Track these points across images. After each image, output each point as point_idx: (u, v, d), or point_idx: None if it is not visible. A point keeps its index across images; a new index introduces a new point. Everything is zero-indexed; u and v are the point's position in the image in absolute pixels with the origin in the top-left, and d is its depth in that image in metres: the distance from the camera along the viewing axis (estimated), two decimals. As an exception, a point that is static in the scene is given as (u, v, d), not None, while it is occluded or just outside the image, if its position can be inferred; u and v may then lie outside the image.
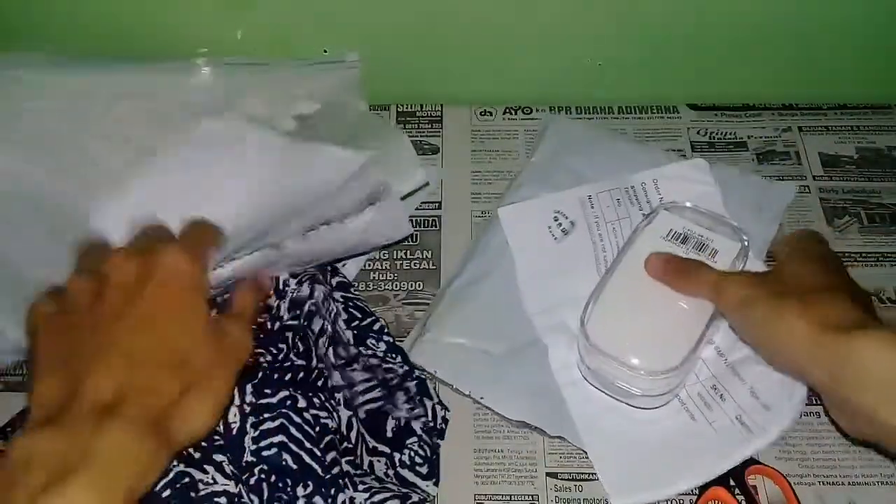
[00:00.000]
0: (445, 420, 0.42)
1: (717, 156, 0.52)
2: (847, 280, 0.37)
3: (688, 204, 0.44)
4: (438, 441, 0.41)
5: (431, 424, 0.41)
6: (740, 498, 0.39)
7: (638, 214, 0.46)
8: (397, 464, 0.39)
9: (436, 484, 0.40)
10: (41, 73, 0.47)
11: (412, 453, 0.39)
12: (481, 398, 0.42)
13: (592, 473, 0.41)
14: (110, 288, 0.31)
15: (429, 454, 0.40)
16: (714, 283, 0.38)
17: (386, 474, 0.39)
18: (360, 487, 0.37)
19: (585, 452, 0.41)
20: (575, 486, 0.41)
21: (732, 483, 0.39)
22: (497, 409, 0.42)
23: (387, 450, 0.40)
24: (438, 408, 0.42)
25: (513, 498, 0.40)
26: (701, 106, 0.55)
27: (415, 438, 0.40)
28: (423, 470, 0.40)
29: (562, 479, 0.41)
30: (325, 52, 0.54)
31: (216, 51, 0.54)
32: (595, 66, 0.55)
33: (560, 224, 0.47)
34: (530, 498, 0.40)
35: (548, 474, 0.41)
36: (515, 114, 0.55)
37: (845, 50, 0.53)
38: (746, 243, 0.42)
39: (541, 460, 0.41)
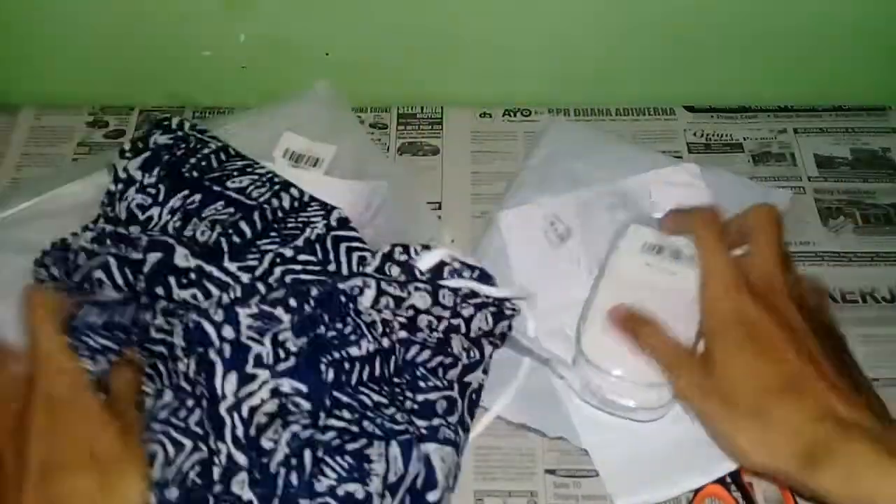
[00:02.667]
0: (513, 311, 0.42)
1: (713, 157, 0.53)
2: (796, 350, 0.34)
3: (656, 215, 0.45)
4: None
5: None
6: (736, 494, 0.39)
7: (651, 223, 0.46)
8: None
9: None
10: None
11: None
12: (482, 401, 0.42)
13: (591, 470, 0.41)
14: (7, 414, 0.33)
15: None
16: (668, 369, 0.37)
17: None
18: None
19: (585, 451, 0.41)
20: (573, 482, 0.41)
21: (729, 479, 0.40)
22: (497, 412, 0.42)
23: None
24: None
25: (512, 494, 0.41)
26: (697, 108, 0.56)
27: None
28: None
29: (560, 476, 0.41)
30: (327, 54, 0.55)
31: (219, 53, 0.54)
32: (593, 68, 0.55)
33: (556, 229, 0.47)
34: (529, 494, 0.41)
35: (546, 471, 0.41)
36: (515, 116, 0.56)
37: (840, 52, 0.54)
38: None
39: (540, 457, 0.42)
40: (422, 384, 0.39)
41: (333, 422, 0.36)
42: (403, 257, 0.40)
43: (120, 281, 0.40)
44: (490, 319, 0.40)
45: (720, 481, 0.39)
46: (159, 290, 0.39)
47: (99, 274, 0.40)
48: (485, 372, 0.41)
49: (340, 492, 0.34)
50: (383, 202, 0.48)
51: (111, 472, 0.32)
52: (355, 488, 0.34)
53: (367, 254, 0.42)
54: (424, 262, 0.40)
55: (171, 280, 0.39)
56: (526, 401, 0.42)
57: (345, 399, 0.36)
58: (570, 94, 0.56)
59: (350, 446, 0.35)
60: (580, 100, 0.56)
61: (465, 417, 0.40)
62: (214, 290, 0.39)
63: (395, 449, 0.36)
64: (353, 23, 0.53)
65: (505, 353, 0.43)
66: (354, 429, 0.36)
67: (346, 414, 0.36)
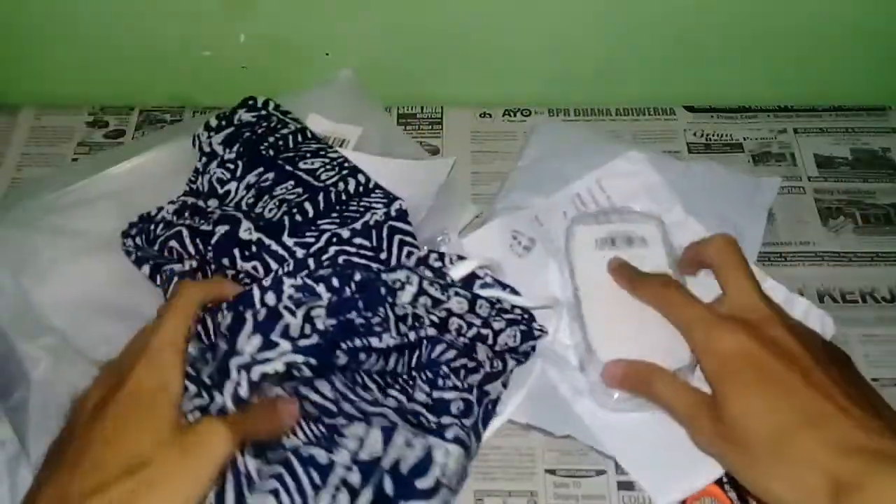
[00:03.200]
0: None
1: (714, 157, 0.53)
2: (804, 380, 0.33)
3: (591, 208, 0.46)
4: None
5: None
6: (732, 495, 0.39)
7: (613, 214, 0.46)
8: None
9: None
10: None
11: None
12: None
13: (590, 470, 0.41)
14: (91, 404, 0.33)
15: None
16: (688, 420, 0.36)
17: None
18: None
19: (585, 450, 0.41)
20: (573, 482, 0.41)
21: (725, 479, 0.40)
22: (508, 416, 0.42)
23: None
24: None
25: (512, 494, 0.41)
26: (697, 108, 0.56)
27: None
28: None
29: (560, 476, 0.41)
30: (327, 55, 0.55)
31: (219, 54, 0.54)
32: (593, 68, 0.55)
33: (520, 242, 0.47)
34: (529, 494, 0.41)
35: (546, 471, 0.41)
36: (514, 116, 0.56)
37: (840, 52, 0.54)
38: (663, 222, 0.43)
39: (539, 457, 0.42)
40: (440, 382, 0.39)
41: (315, 396, 0.37)
42: (438, 264, 0.42)
43: (192, 250, 0.42)
44: (518, 337, 0.41)
45: (717, 481, 0.39)
46: (225, 262, 0.41)
47: (173, 243, 0.42)
48: (504, 385, 0.42)
49: (304, 453, 0.35)
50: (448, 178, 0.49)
51: (152, 487, 0.30)
52: (318, 453, 0.36)
53: (414, 250, 0.43)
54: (457, 272, 0.41)
55: (236, 252, 0.41)
56: (530, 401, 0.42)
57: (341, 377, 0.38)
58: (570, 94, 0.57)
59: (328, 420, 0.37)
60: (580, 100, 0.56)
61: (479, 425, 0.40)
62: (273, 263, 0.40)
63: (376, 432, 0.37)
64: (353, 23, 0.53)
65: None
66: (332, 408, 0.37)
67: (328, 392, 0.37)
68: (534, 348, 0.42)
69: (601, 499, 0.40)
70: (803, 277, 0.48)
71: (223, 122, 0.48)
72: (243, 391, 0.34)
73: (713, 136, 0.54)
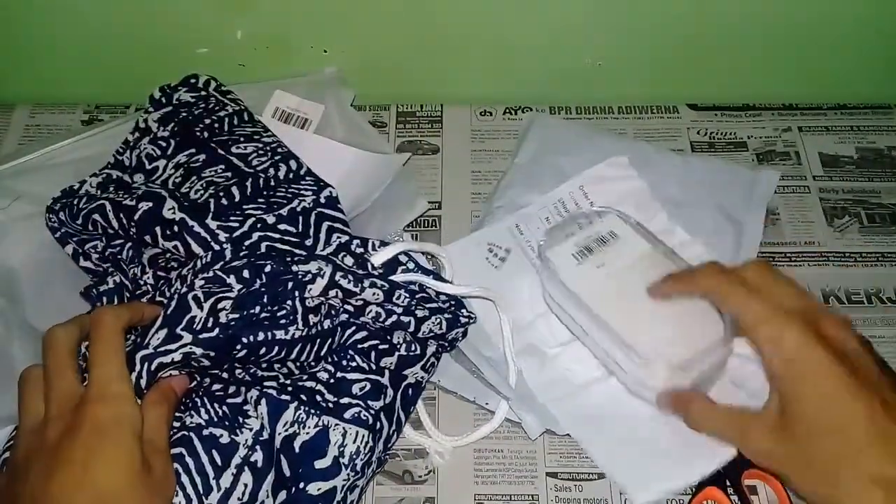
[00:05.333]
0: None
1: (718, 156, 0.52)
2: (871, 393, 0.33)
3: (548, 225, 0.46)
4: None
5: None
6: (734, 498, 0.39)
7: (573, 224, 0.45)
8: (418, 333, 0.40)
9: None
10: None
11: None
12: (486, 404, 0.42)
13: (592, 473, 0.41)
14: (43, 449, 0.32)
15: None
16: (734, 439, 0.37)
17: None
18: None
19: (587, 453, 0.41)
20: (575, 486, 0.41)
21: (728, 483, 0.39)
22: (504, 415, 0.42)
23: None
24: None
25: (513, 498, 0.40)
26: (701, 106, 0.55)
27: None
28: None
29: (562, 479, 0.41)
30: (325, 52, 0.54)
31: (216, 51, 0.54)
32: (595, 66, 0.55)
33: (496, 255, 0.47)
34: (530, 498, 0.40)
35: (548, 474, 0.41)
36: (515, 114, 0.55)
37: (845, 50, 0.53)
38: (633, 219, 0.43)
39: (541, 460, 0.41)
40: (344, 363, 0.39)
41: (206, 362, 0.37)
42: (360, 250, 0.41)
43: (115, 224, 0.41)
44: (444, 325, 0.40)
45: (720, 485, 0.39)
46: (147, 238, 0.40)
47: (96, 216, 0.41)
48: (426, 371, 0.41)
49: (205, 433, 0.36)
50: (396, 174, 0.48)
51: None
52: (221, 433, 0.36)
53: (346, 237, 0.42)
54: (378, 258, 0.41)
55: (158, 230, 0.40)
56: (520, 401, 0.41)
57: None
58: (572, 92, 0.56)
59: (230, 400, 0.37)
60: (582, 98, 0.56)
61: (398, 410, 0.40)
62: (194, 245, 0.39)
63: (263, 407, 0.37)
64: (352, 20, 0.52)
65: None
66: (225, 375, 0.37)
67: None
68: (464, 335, 0.42)
69: (603, 503, 0.40)
70: (808, 278, 0.47)
71: (163, 100, 0.48)
72: (143, 382, 0.34)
73: (717, 134, 0.54)
